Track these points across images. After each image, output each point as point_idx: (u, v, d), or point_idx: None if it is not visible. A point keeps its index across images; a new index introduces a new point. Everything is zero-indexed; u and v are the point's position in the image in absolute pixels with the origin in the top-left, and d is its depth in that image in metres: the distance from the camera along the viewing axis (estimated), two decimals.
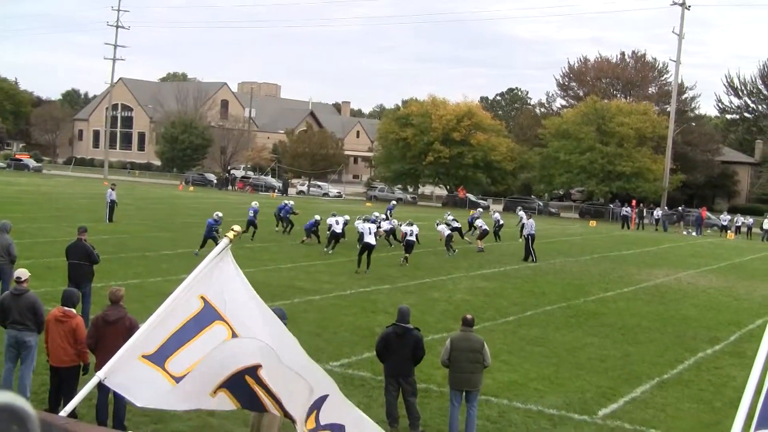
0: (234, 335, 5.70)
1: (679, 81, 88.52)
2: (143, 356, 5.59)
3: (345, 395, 6.01)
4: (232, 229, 6.18)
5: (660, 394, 16.02)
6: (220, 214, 31.77)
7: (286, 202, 43.12)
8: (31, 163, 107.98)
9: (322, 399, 5.71)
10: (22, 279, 13.28)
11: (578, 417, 14.21)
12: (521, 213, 43.86)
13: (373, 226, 30.35)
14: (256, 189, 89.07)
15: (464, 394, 12.93)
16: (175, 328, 5.65)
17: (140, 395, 5.57)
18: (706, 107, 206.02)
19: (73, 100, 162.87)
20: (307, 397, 5.56)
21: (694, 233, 64.78)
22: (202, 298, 5.78)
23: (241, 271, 6.13)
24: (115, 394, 7.94)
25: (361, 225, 30.83)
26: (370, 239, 29.65)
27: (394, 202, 47.15)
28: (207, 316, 5.72)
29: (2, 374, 13.16)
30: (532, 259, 36.27)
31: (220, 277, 5.87)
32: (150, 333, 5.68)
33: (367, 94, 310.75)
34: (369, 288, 26.27)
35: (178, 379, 5.49)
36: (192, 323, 5.68)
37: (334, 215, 35.95)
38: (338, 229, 34.56)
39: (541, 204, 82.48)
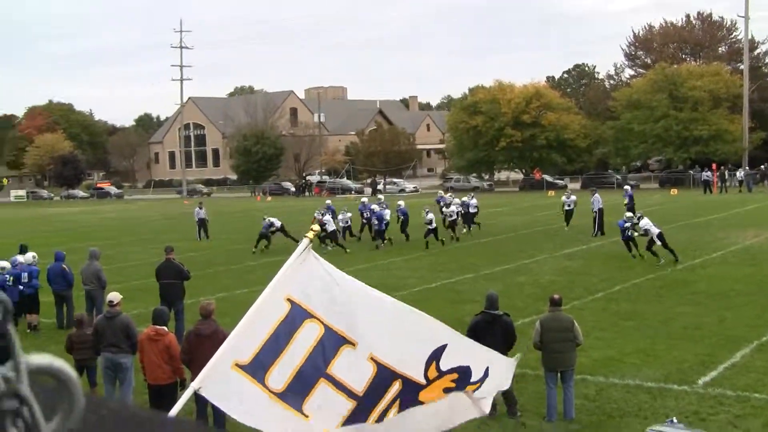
0: (327, 328, 5.75)
1: (750, 37, 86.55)
2: (237, 365, 5.64)
3: None
4: (312, 229, 6.24)
5: (761, 358, 15.68)
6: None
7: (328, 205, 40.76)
8: (113, 190, 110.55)
9: (441, 349, 5.83)
10: (115, 302, 13.60)
11: (678, 387, 13.99)
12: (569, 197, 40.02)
13: None
14: (333, 192, 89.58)
15: (559, 374, 12.86)
16: (267, 335, 5.69)
17: (237, 408, 5.63)
18: None
19: (147, 124, 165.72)
20: (421, 353, 5.76)
21: None
22: (288, 299, 5.82)
23: (330, 264, 6.18)
24: (214, 407, 8.05)
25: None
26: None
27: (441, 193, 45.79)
28: (296, 317, 5.76)
29: (104, 396, 13.49)
30: (599, 233, 35.86)
31: (304, 276, 5.92)
32: (241, 340, 5.74)
33: (434, 87, 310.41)
34: (453, 279, 26.24)
35: (279, 395, 5.56)
36: (282, 327, 5.72)
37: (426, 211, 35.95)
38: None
39: (619, 177, 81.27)
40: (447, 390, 5.82)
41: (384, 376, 5.72)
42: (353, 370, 5.69)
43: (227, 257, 33.99)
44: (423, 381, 5.80)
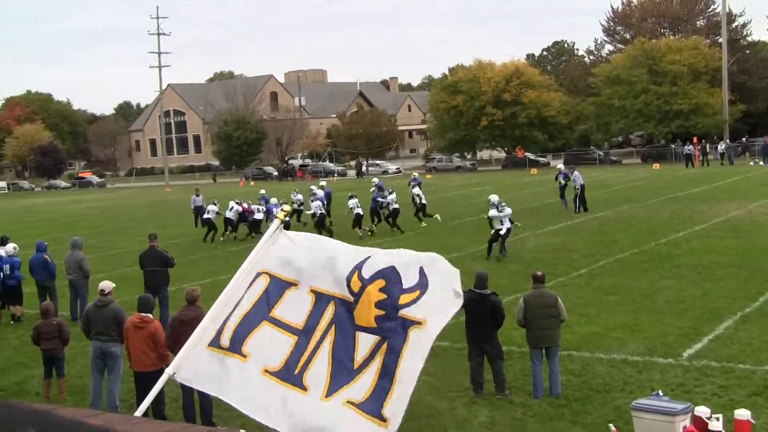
0: (273, 277, 5.71)
1: (727, 10, 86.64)
2: (210, 345, 5.61)
3: (424, 367, 5.70)
4: (282, 209, 6.24)
5: (744, 329, 15.78)
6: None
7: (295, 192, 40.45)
8: (95, 179, 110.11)
9: (363, 260, 5.68)
10: (106, 291, 13.59)
11: (663, 361, 14.08)
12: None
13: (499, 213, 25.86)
14: (315, 175, 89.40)
15: (544, 351, 12.91)
16: (244, 312, 5.66)
17: (214, 386, 5.59)
18: (759, 33, 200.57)
19: (127, 112, 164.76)
20: (345, 268, 5.64)
21: (761, 162, 63.41)
22: (266, 273, 5.77)
23: (301, 234, 6.18)
24: (200, 393, 8.02)
25: (491, 212, 26.12)
26: (502, 228, 25.68)
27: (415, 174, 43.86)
28: (276, 289, 5.70)
29: (91, 385, 13.46)
30: (582, 209, 35.83)
31: (277, 251, 5.86)
32: (212, 322, 5.70)
33: (414, 67, 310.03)
34: None
35: (228, 349, 5.53)
36: (263, 300, 5.68)
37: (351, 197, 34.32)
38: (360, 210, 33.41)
39: (601, 153, 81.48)
40: (379, 305, 5.44)
41: (320, 302, 5.61)
42: (295, 307, 5.61)
43: (210, 243, 33.81)
44: (350, 297, 5.56)
